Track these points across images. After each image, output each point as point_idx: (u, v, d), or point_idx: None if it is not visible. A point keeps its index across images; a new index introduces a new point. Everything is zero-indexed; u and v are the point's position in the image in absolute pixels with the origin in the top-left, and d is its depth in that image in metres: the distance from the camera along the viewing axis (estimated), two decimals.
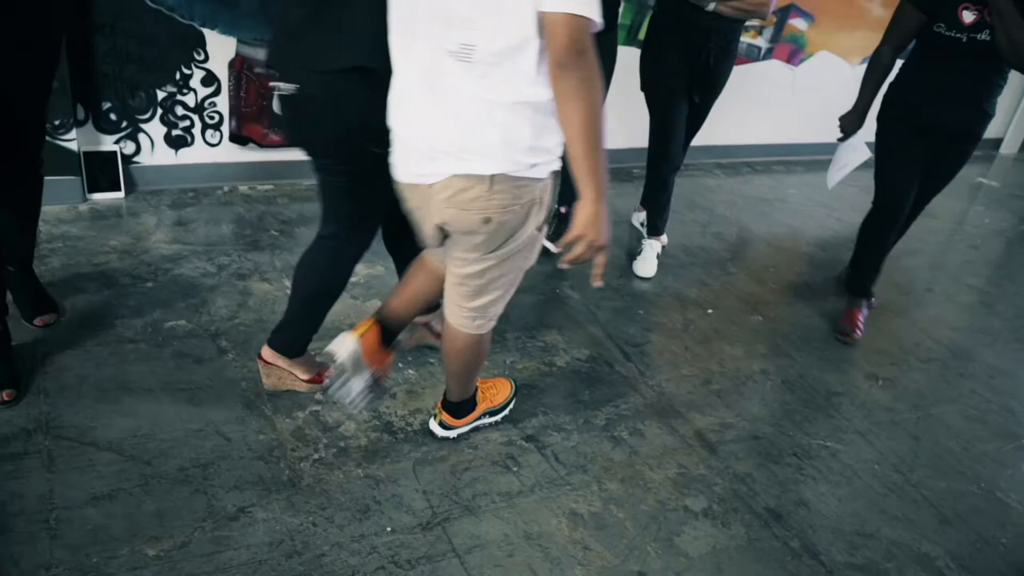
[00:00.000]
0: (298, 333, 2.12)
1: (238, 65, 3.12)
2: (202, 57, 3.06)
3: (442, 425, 2.09)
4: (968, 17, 2.47)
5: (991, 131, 5.76)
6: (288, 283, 2.66)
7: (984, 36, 2.44)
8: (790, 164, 4.78)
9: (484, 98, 1.46)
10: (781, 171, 4.68)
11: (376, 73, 1.62)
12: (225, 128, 3.22)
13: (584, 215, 1.49)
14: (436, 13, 1.45)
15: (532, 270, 2.98)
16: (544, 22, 1.37)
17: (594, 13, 1.36)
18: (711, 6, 2.69)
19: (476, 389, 2.10)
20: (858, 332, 2.91)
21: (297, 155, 3.38)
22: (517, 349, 2.52)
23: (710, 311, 2.97)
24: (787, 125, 4.76)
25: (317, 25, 1.66)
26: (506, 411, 2.19)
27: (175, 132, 3.14)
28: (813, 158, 4.87)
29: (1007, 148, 5.92)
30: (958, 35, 2.49)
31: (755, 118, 4.60)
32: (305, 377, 2.16)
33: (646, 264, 3.16)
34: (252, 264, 2.76)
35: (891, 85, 2.80)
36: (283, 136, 1.88)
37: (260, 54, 3.12)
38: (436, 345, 2.37)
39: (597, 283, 1.62)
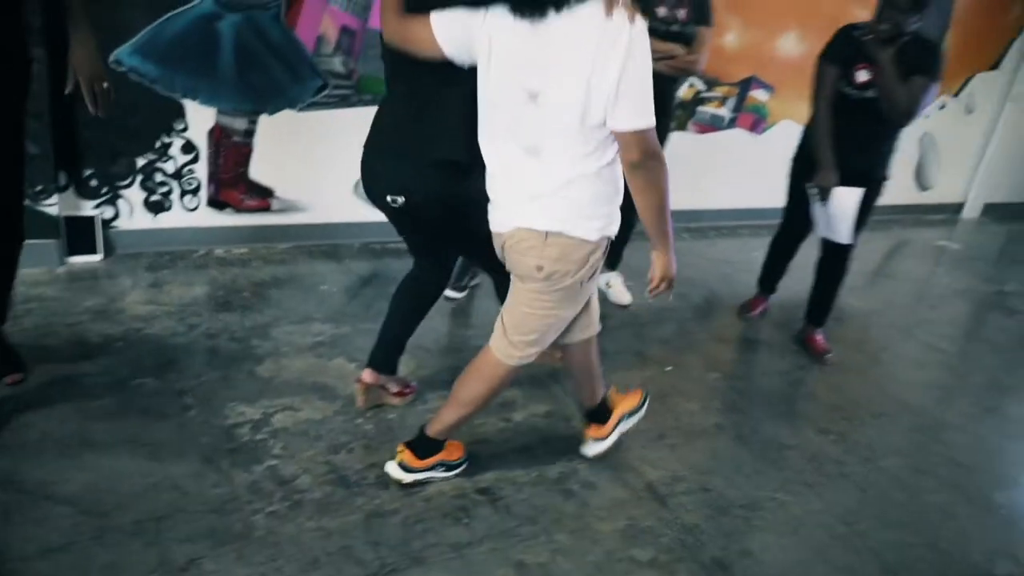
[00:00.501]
0: (393, 352, 2.46)
1: (217, 134, 3.27)
2: (182, 126, 3.21)
3: (401, 466, 2.15)
4: (862, 77, 2.91)
5: (953, 195, 6.00)
6: (256, 342, 2.75)
7: (871, 94, 2.88)
8: (755, 228, 4.93)
9: (550, 175, 1.79)
10: (746, 234, 4.83)
11: (461, 164, 1.95)
12: (203, 194, 3.35)
13: (661, 263, 1.92)
14: (512, 125, 1.80)
15: (492, 326, 3.08)
16: (616, 137, 1.72)
17: (652, 120, 1.69)
18: None
19: (444, 440, 2.19)
20: (754, 314, 3.61)
21: (271, 219, 3.53)
22: None
23: (669, 368, 3.05)
24: (752, 190, 4.93)
25: (416, 124, 1.99)
26: (459, 470, 2.25)
27: (154, 197, 3.27)
28: (777, 222, 5.02)
29: (968, 212, 6.11)
30: (854, 92, 2.93)
31: (721, 184, 4.77)
32: (395, 390, 2.50)
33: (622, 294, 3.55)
34: (222, 324, 2.85)
35: (803, 136, 3.20)
36: (394, 224, 2.19)
37: (238, 123, 3.28)
38: (394, 404, 2.48)
39: (664, 298, 2.03)
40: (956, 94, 5.56)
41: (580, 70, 1.65)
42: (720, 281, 4.03)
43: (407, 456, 2.15)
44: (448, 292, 3.33)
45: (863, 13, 4.76)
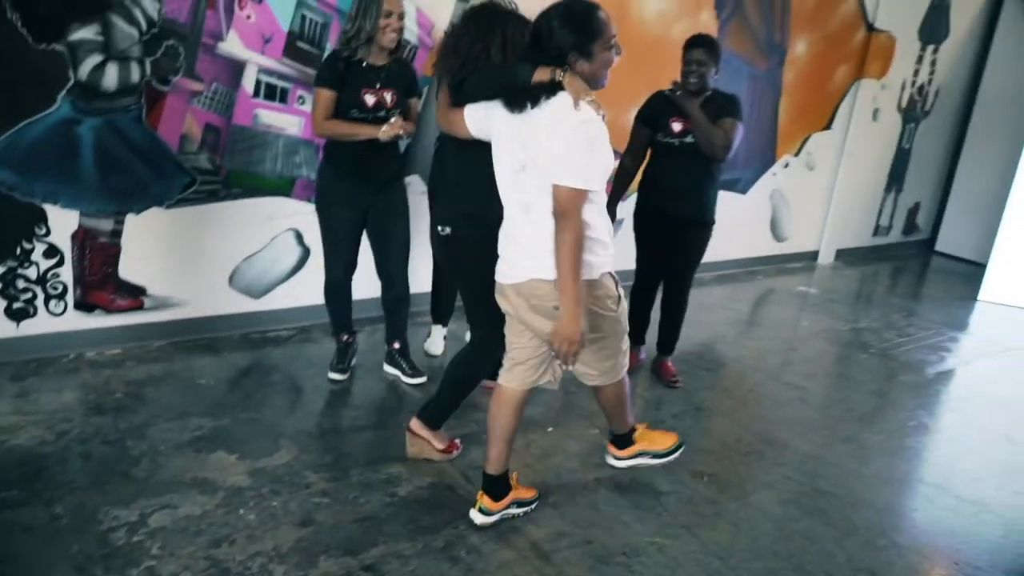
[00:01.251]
0: (442, 411, 2.78)
1: (81, 236, 3.24)
2: (44, 231, 3.16)
3: (482, 511, 2.48)
4: (677, 127, 3.35)
5: (808, 244, 6.48)
6: (131, 443, 2.70)
7: (690, 139, 3.33)
8: (626, 288, 5.17)
9: (541, 229, 2.16)
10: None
11: (479, 216, 2.44)
12: (70, 297, 3.29)
13: (558, 325, 2.16)
14: (510, 187, 2.28)
15: (379, 406, 3.14)
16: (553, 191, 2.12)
17: (584, 184, 2.08)
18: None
19: (507, 477, 2.54)
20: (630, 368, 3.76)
21: (144, 317, 3.48)
22: (360, 484, 2.61)
23: (550, 429, 3.16)
24: (616, 256, 5.18)
25: (454, 181, 2.67)
26: (531, 507, 2.58)
27: (16, 305, 3.18)
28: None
29: (823, 259, 6.62)
30: (674, 140, 3.37)
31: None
32: (440, 447, 2.79)
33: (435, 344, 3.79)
34: (94, 428, 2.78)
35: (638, 192, 3.59)
36: (437, 257, 2.79)
37: (103, 224, 3.26)
38: (436, 459, 2.82)
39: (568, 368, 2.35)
40: (797, 154, 6.09)
41: (551, 145, 2.11)
42: None
43: (485, 501, 2.48)
44: (331, 374, 3.36)
45: None
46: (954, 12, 6.74)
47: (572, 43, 2.12)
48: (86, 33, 3.02)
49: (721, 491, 2.83)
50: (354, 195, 3.12)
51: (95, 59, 3.07)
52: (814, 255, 6.61)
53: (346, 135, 2.99)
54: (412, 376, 3.49)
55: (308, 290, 3.84)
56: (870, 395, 3.88)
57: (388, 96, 3.04)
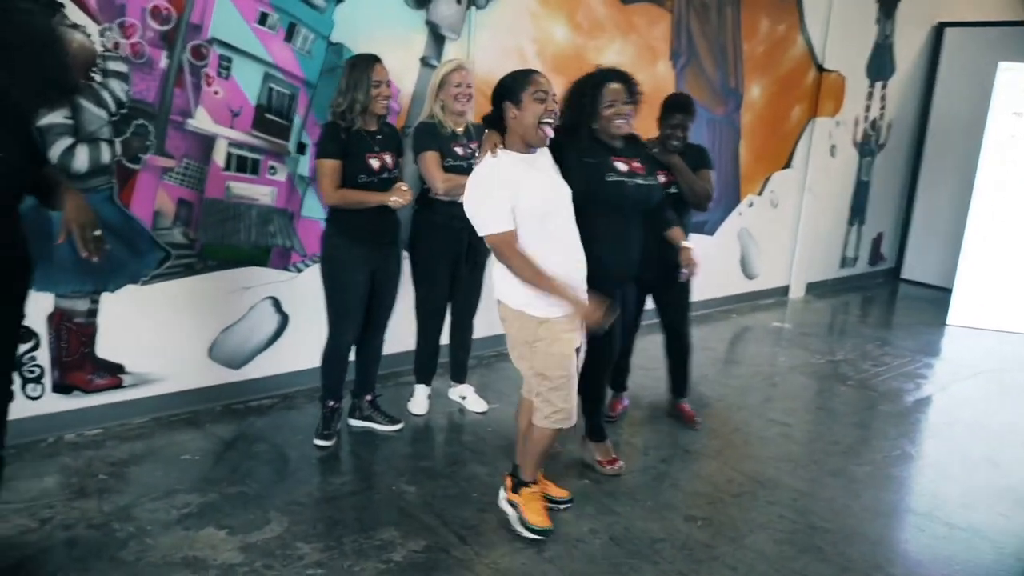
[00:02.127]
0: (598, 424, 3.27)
1: (57, 317, 3.21)
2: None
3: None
4: (661, 180, 3.27)
5: (779, 280, 6.59)
6: (117, 525, 2.65)
7: (674, 190, 3.46)
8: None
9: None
10: None
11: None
12: (47, 380, 3.24)
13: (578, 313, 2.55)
14: None
15: (367, 470, 3.12)
16: None
17: (495, 228, 2.48)
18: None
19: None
20: (615, 415, 3.81)
21: (124, 395, 3.44)
22: (354, 552, 2.58)
23: None
24: None
25: None
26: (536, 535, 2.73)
27: None
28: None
29: (794, 293, 6.73)
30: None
31: None
32: (600, 458, 3.24)
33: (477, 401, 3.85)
34: (78, 513, 2.72)
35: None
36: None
37: (79, 304, 3.24)
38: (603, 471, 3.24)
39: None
40: (760, 192, 6.24)
41: None
42: None
43: (508, 483, 2.88)
44: (317, 441, 3.33)
45: None
46: (897, 49, 7.02)
47: (505, 92, 2.55)
48: (55, 117, 3.04)
49: (716, 534, 2.83)
50: (366, 259, 3.22)
51: (65, 142, 3.08)
52: (785, 290, 6.72)
53: (358, 203, 3.11)
54: (390, 424, 3.54)
55: (288, 357, 3.83)
56: (853, 427, 3.92)
57: (388, 158, 3.20)
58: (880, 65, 6.92)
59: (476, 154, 3.32)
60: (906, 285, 7.51)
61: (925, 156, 7.44)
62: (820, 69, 6.38)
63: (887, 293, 7.26)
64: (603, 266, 2.80)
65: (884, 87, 7.04)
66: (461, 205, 3.18)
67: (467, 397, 3.87)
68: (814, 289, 6.89)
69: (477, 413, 3.79)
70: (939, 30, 7.27)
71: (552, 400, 2.64)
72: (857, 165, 7.06)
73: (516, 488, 2.83)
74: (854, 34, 6.56)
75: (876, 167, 7.25)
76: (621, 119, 2.84)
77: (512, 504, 2.82)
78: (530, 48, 4.45)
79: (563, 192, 2.64)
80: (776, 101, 6.14)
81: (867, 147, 7.08)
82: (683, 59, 5.34)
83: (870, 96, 6.94)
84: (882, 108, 7.10)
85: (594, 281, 2.71)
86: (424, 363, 3.76)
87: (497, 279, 2.65)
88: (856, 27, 6.56)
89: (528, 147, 2.59)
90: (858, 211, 7.23)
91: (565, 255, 2.60)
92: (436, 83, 3.41)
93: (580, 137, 2.85)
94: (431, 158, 3.35)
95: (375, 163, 3.16)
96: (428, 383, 3.80)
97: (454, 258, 3.53)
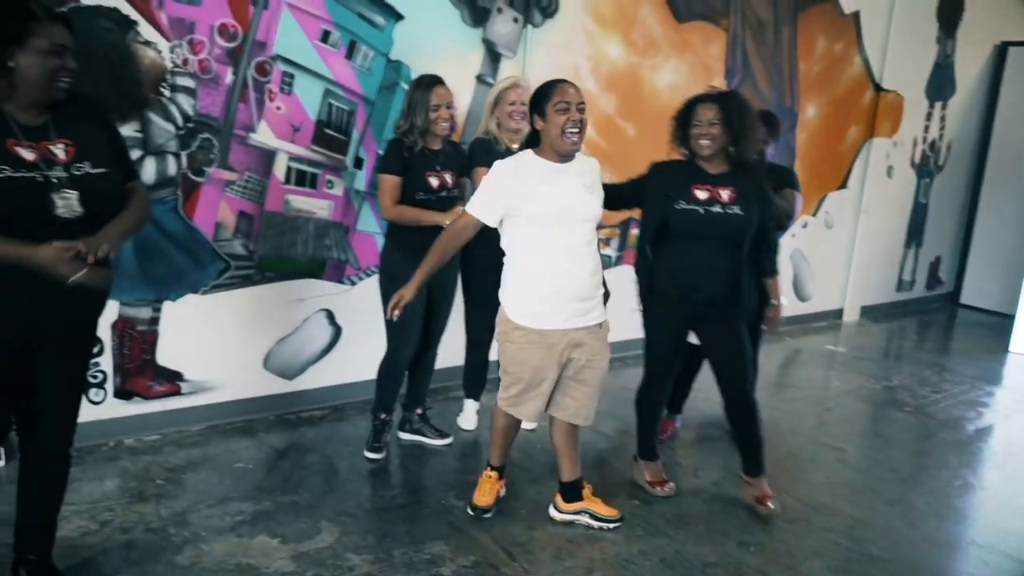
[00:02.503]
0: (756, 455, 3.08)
1: (120, 326, 3.30)
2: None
3: (554, 507, 2.95)
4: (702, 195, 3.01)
5: (832, 303, 6.46)
6: (173, 530, 2.70)
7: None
8: None
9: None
10: None
11: None
12: (109, 385, 3.33)
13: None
14: None
15: (417, 483, 3.13)
16: None
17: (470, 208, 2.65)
18: None
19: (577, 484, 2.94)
20: (664, 437, 3.74)
21: (181, 403, 3.51)
22: (404, 565, 2.59)
23: None
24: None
25: None
26: (608, 524, 2.88)
27: None
28: None
29: (848, 316, 6.59)
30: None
31: (617, 317, 5.02)
32: (648, 478, 3.21)
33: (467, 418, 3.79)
34: (137, 516, 2.78)
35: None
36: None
37: (142, 312, 3.33)
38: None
39: None
40: (814, 213, 6.14)
41: None
42: (628, 408, 4.17)
43: (558, 499, 2.94)
44: (368, 454, 3.36)
45: None
46: (959, 68, 6.87)
47: (534, 105, 2.64)
48: (125, 131, 3.14)
49: (769, 561, 2.77)
50: None
51: (134, 155, 3.17)
52: (839, 313, 6.59)
53: (413, 220, 3.15)
54: (439, 438, 3.57)
55: (340, 369, 3.88)
56: (911, 454, 3.82)
57: (448, 177, 3.25)
58: (940, 85, 6.79)
59: (450, 188, 3.31)
60: (965, 310, 7.30)
61: (986, 178, 7.25)
62: (878, 89, 6.27)
63: (945, 318, 7.06)
64: (665, 287, 2.99)
65: (944, 107, 6.89)
66: None
67: (465, 411, 3.81)
68: (869, 312, 6.75)
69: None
70: (1002, 49, 7.10)
71: (506, 389, 2.78)
72: (915, 187, 6.91)
73: (570, 496, 2.94)
74: (913, 54, 6.44)
75: (934, 189, 7.08)
76: (705, 139, 2.85)
77: (574, 513, 2.94)
78: (585, 66, 4.46)
79: (582, 208, 2.65)
80: (832, 121, 6.05)
81: (925, 168, 6.93)
82: (738, 78, 5.30)
83: (929, 116, 6.80)
84: (941, 129, 6.95)
85: (660, 301, 3.00)
86: (473, 378, 3.77)
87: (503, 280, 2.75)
88: (916, 47, 6.44)
89: (560, 156, 2.62)
90: (915, 234, 7.07)
91: (565, 268, 2.62)
92: (492, 100, 3.44)
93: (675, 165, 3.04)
94: (483, 173, 3.36)
95: (434, 181, 3.20)
96: (477, 398, 3.81)
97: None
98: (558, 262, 2.62)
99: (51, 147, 1.90)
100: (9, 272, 1.83)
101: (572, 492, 2.94)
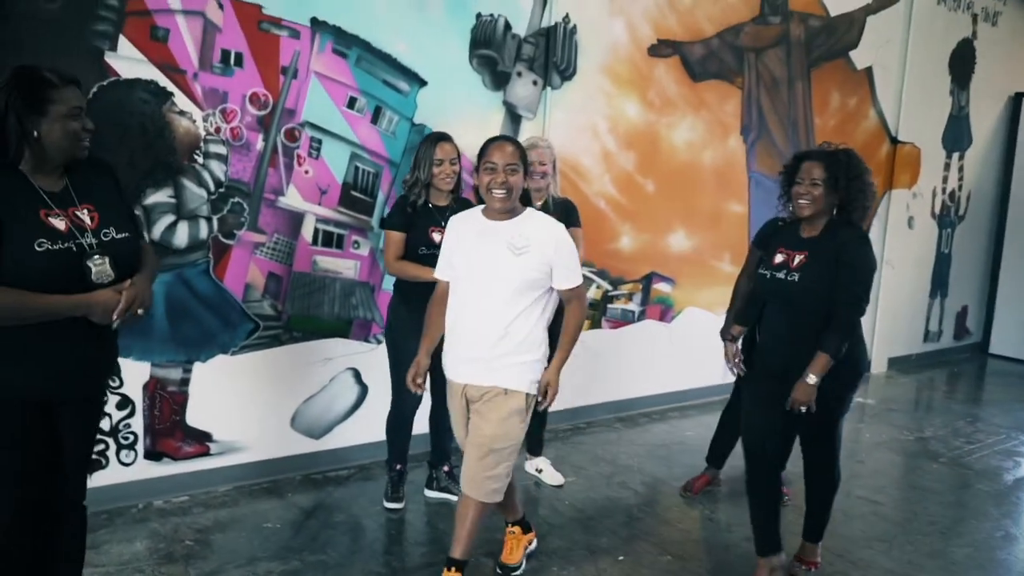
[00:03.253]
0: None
1: (152, 386, 3.34)
2: (116, 383, 3.27)
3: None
4: (779, 258, 2.81)
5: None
6: None
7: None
8: (684, 409, 5.14)
9: None
10: (676, 417, 5.02)
11: None
12: (140, 446, 3.36)
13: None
14: None
15: (444, 541, 3.07)
16: None
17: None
18: None
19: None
20: (695, 492, 3.70)
21: (210, 463, 3.52)
22: None
23: (621, 558, 3.08)
24: (671, 374, 5.19)
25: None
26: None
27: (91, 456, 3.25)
28: (704, 400, 5.26)
29: (876, 368, 6.51)
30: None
31: (643, 372, 5.02)
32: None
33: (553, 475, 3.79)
34: None
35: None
36: None
37: (173, 373, 3.37)
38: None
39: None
40: None
41: None
42: (658, 464, 4.15)
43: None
44: (388, 504, 3.37)
45: (737, 207, 5.36)
46: (974, 120, 6.93)
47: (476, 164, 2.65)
48: (160, 196, 3.24)
49: None
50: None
51: (168, 219, 3.27)
52: (867, 365, 6.50)
53: (413, 277, 3.19)
54: None
55: (366, 428, 3.88)
56: (949, 506, 3.73)
57: None
58: (956, 136, 6.84)
59: None
60: (995, 360, 7.19)
61: (1008, 226, 7.23)
62: (894, 141, 6.33)
63: (975, 368, 6.96)
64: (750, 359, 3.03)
65: (962, 158, 6.93)
66: None
67: (543, 470, 3.84)
68: (897, 364, 6.66)
69: (553, 486, 3.75)
70: (1016, 100, 7.17)
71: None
72: (937, 237, 6.90)
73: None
74: (928, 106, 6.51)
75: (957, 239, 7.07)
76: (805, 199, 2.69)
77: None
78: (603, 125, 4.56)
79: (498, 268, 2.53)
80: None
81: (946, 219, 6.93)
82: (753, 134, 5.38)
83: (947, 167, 6.83)
84: (960, 179, 6.97)
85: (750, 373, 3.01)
86: (533, 433, 3.76)
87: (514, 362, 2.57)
88: (930, 99, 6.52)
89: (494, 213, 2.59)
90: (940, 284, 7.02)
91: (465, 323, 2.60)
92: None
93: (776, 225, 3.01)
94: (392, 240, 3.34)
95: (437, 237, 3.18)
96: (540, 453, 3.79)
97: None
98: (462, 316, 2.61)
99: (77, 213, 1.97)
100: (31, 335, 1.90)
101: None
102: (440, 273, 2.72)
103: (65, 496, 2.16)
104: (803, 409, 2.64)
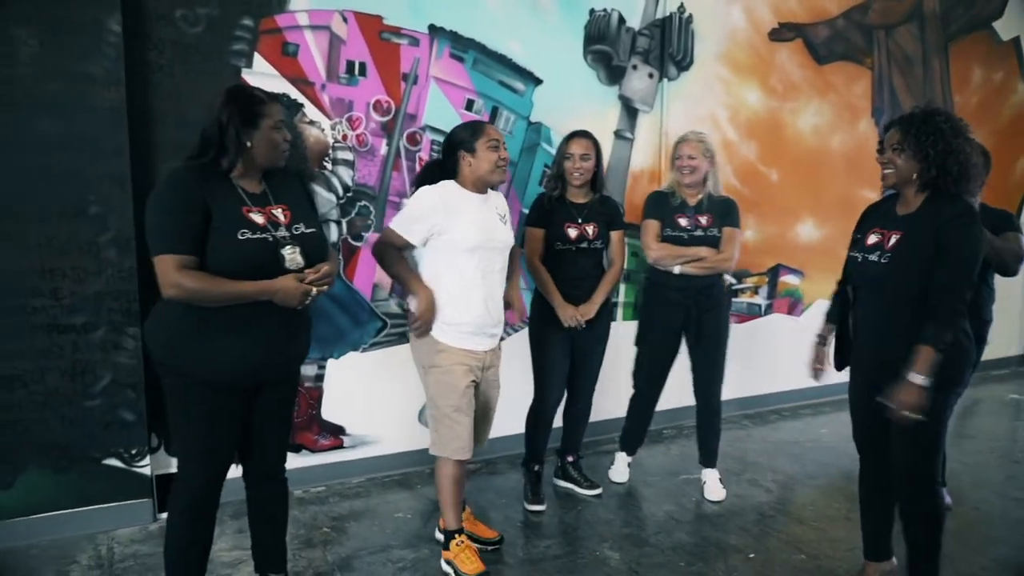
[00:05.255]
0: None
1: None
2: None
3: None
4: (873, 239, 2.55)
5: (1011, 348, 5.94)
6: (339, 575, 2.81)
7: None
8: (818, 406, 4.93)
9: None
10: (809, 414, 4.82)
11: None
12: None
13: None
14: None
15: (571, 534, 3.10)
16: None
17: (394, 226, 2.72)
18: (676, 270, 3.35)
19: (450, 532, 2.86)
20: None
21: (344, 456, 3.68)
22: None
23: (752, 555, 2.99)
24: (804, 371, 4.97)
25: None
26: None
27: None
28: (840, 398, 5.02)
29: None
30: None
31: (772, 368, 4.85)
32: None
33: (716, 490, 3.55)
34: (306, 561, 2.93)
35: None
36: None
37: (308, 370, 3.55)
38: None
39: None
40: None
41: None
42: (791, 462, 4.00)
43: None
44: (531, 507, 3.39)
45: (871, 194, 5.09)
46: None
47: (458, 143, 2.75)
48: None
49: None
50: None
51: None
52: (1021, 360, 6.03)
53: (541, 286, 3.31)
54: (589, 488, 3.57)
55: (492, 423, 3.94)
56: None
57: (590, 229, 3.31)
58: None
59: (698, 227, 3.37)
60: None
61: None
62: None
63: None
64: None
65: None
66: (687, 277, 3.34)
67: (707, 482, 3.60)
68: None
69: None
70: None
71: (438, 429, 2.77)
72: None
73: (446, 544, 2.87)
74: None
75: None
76: (887, 168, 2.42)
77: (448, 563, 2.85)
78: (723, 114, 4.46)
79: (501, 237, 2.80)
80: (997, 154, 5.63)
81: None
82: (886, 116, 5.10)
83: None
84: None
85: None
86: (631, 430, 3.73)
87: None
88: None
89: (480, 189, 2.78)
90: None
91: (482, 293, 2.73)
92: (671, 155, 3.51)
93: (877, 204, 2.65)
94: (647, 226, 3.44)
95: (572, 232, 3.27)
96: (632, 452, 3.76)
97: (676, 329, 3.48)
98: (481, 284, 2.72)
99: (273, 211, 2.22)
100: (241, 322, 2.13)
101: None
102: (406, 233, 2.70)
103: (265, 470, 2.45)
104: (910, 415, 2.26)
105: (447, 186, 2.75)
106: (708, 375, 3.54)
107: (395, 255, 2.75)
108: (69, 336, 2.99)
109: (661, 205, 3.44)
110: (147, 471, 3.21)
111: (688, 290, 3.37)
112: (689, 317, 3.41)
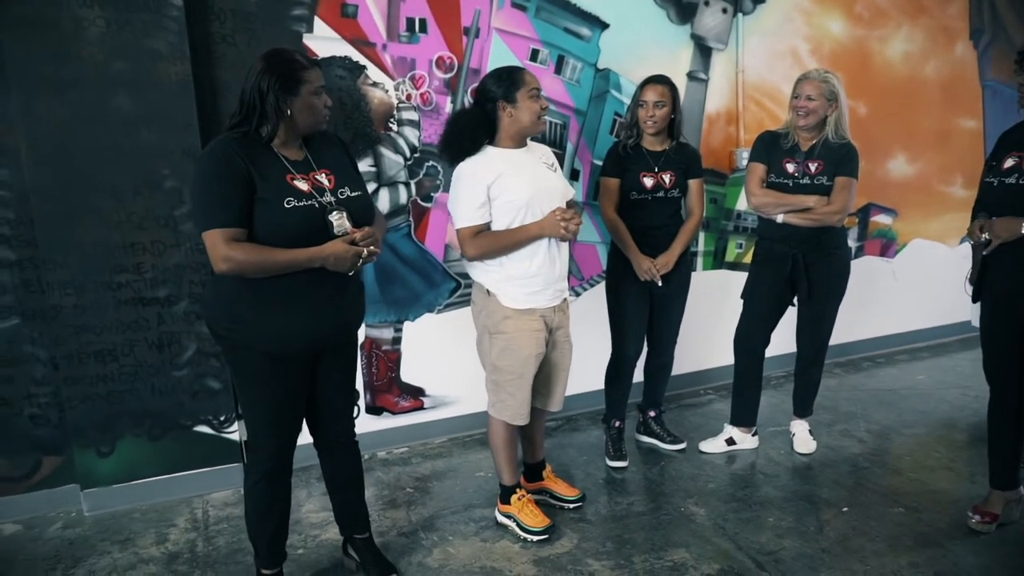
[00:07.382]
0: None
1: (368, 346, 3.57)
2: None
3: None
4: (1010, 162, 2.53)
5: None
6: (423, 534, 2.84)
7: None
8: (915, 351, 4.69)
9: None
10: (905, 360, 4.59)
11: None
12: (361, 402, 3.61)
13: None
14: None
15: (654, 490, 3.05)
16: None
17: (463, 223, 2.60)
18: (779, 219, 3.12)
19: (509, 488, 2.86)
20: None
21: (425, 416, 3.70)
22: (645, 572, 2.52)
23: (845, 509, 2.87)
24: (899, 314, 4.74)
25: None
26: (531, 536, 2.76)
27: None
28: (938, 342, 4.78)
29: None
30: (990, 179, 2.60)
31: (865, 313, 4.63)
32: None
33: (805, 442, 3.42)
34: (390, 521, 2.97)
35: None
36: None
37: (386, 333, 3.58)
38: None
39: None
40: None
41: None
42: (886, 411, 3.82)
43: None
44: (612, 463, 3.35)
45: (970, 122, 4.75)
46: None
47: (495, 94, 2.58)
48: (361, 167, 3.41)
49: None
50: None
51: (369, 188, 3.44)
52: None
53: (620, 240, 3.19)
54: (673, 443, 3.50)
55: (572, 381, 3.87)
56: None
57: (667, 177, 3.18)
58: None
59: (806, 175, 3.11)
60: None
61: None
62: None
63: None
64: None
65: None
66: (791, 227, 3.13)
67: (796, 434, 3.50)
68: None
69: (800, 454, 3.41)
70: None
71: (498, 392, 2.74)
72: None
73: (505, 499, 2.87)
74: None
75: None
76: None
77: (507, 516, 2.86)
78: (803, 47, 4.20)
79: (549, 185, 2.67)
80: None
81: None
82: (987, 37, 4.72)
83: None
84: None
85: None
86: (750, 400, 3.48)
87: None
88: None
89: (519, 143, 2.66)
90: None
91: (544, 243, 2.63)
92: (791, 93, 3.19)
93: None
94: (752, 169, 3.24)
95: (648, 181, 3.16)
96: (752, 423, 3.50)
97: (779, 284, 3.25)
98: (545, 242, 2.64)
99: (317, 177, 2.19)
100: (294, 292, 2.13)
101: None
102: (476, 219, 2.60)
103: (334, 437, 2.46)
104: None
105: (486, 155, 2.63)
106: (816, 327, 3.34)
107: (490, 238, 2.62)
108: (154, 309, 3.08)
109: (770, 147, 3.21)
110: (235, 436, 3.31)
111: (793, 239, 3.14)
112: (797, 268, 3.18)
